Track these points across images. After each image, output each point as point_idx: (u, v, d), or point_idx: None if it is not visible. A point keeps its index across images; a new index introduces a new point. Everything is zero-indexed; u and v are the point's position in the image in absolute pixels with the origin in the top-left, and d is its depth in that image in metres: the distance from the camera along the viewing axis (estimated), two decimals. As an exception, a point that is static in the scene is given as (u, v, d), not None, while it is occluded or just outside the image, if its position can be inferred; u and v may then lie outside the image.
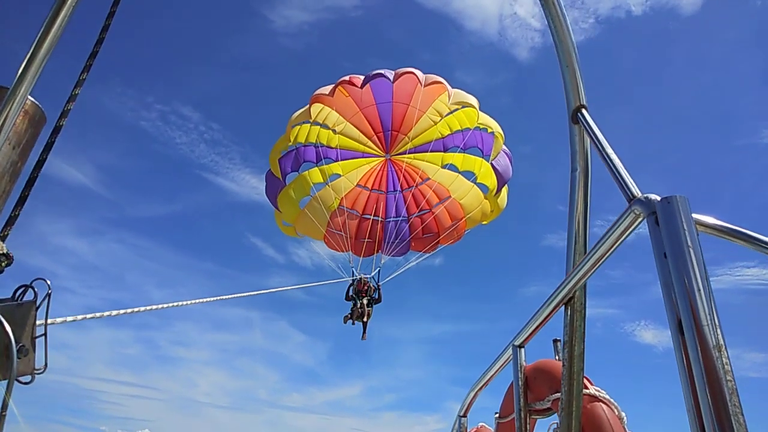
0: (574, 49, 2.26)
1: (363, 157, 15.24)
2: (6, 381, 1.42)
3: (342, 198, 15.63)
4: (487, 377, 3.03)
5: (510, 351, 2.57)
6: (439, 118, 14.41)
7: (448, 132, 14.68)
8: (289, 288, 9.49)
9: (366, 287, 15.00)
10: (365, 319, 14.66)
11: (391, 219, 16.08)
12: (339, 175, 15.35)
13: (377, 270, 15.49)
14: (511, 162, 13.94)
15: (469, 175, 14.75)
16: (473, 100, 13.14)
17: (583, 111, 2.20)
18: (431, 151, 14.74)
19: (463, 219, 14.99)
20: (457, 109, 14.01)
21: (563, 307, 2.07)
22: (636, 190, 1.58)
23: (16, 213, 1.61)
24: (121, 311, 3.35)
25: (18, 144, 1.48)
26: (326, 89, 13.47)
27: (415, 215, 15.70)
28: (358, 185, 15.78)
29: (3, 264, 1.52)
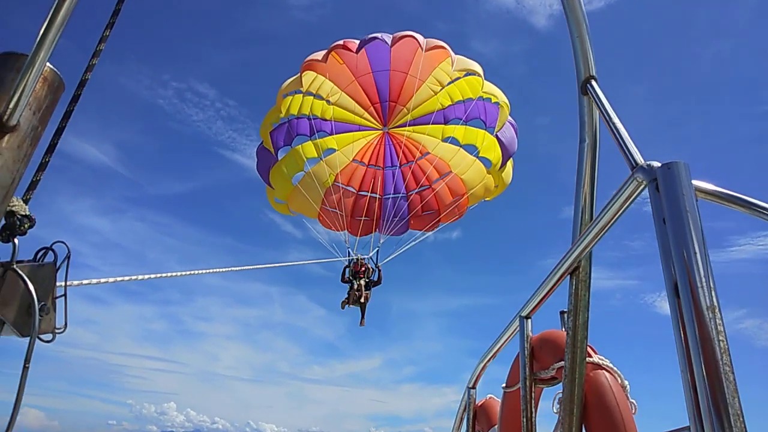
0: (585, 19, 2.25)
1: (359, 130, 14.63)
2: (29, 337, 1.52)
3: (337, 174, 15.06)
4: (495, 348, 3.13)
5: (517, 322, 2.64)
6: (440, 87, 13.74)
7: (449, 103, 14.03)
8: (279, 265, 9.08)
9: (363, 268, 14.62)
10: (363, 302, 14.25)
11: (390, 196, 15.59)
12: (334, 150, 14.76)
13: (376, 250, 15.06)
14: (516, 134, 13.31)
15: (471, 149, 14.17)
16: (477, 67, 12.44)
17: (593, 82, 2.20)
18: (431, 124, 14.10)
19: (465, 195, 14.45)
20: (459, 78, 13.30)
21: (568, 277, 2.10)
22: (639, 158, 1.61)
23: (38, 178, 1.69)
24: (139, 276, 3.40)
25: (38, 109, 1.55)
26: (319, 55, 12.74)
27: (414, 192, 15.16)
28: (354, 160, 15.21)
29: (26, 226, 1.58)
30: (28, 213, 1.60)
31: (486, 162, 13.89)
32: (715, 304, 1.19)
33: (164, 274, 3.80)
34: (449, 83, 13.54)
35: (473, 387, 3.78)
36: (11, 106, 1.45)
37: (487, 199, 14.68)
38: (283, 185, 14.07)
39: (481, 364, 3.55)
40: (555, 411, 2.34)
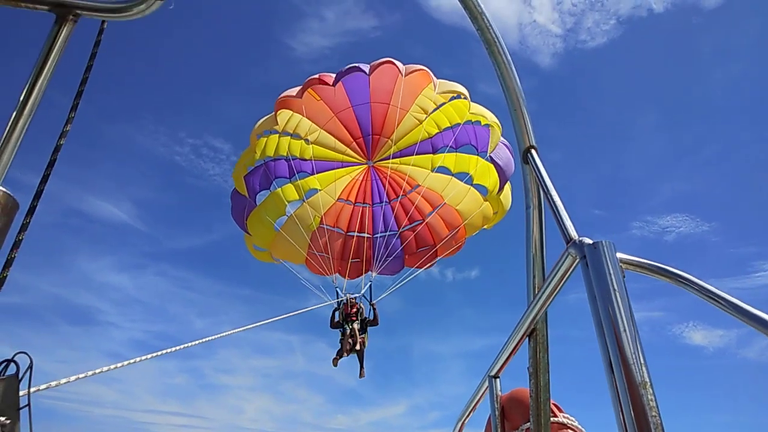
0: (521, 92, 2.43)
1: (342, 167, 13.97)
2: None
3: (322, 215, 14.25)
4: (471, 407, 3.20)
5: (486, 382, 2.70)
6: (425, 115, 13.19)
7: (436, 130, 13.47)
8: (264, 322, 8.19)
9: (355, 309, 13.62)
10: (359, 348, 13.12)
11: (380, 234, 14.79)
12: (317, 190, 14.02)
13: (368, 285, 14.25)
14: (512, 154, 12.65)
15: (464, 177, 13.47)
16: (461, 89, 11.94)
17: (532, 152, 2.34)
18: (418, 154, 13.47)
19: (462, 226, 13.64)
20: (444, 103, 12.70)
21: (527, 339, 2.18)
22: (573, 233, 1.73)
23: (5, 275, 1.72)
24: (105, 368, 3.43)
25: None
26: (293, 91, 12.14)
27: (406, 228, 14.36)
28: (339, 199, 14.50)
29: None
30: None
31: (481, 189, 13.24)
32: (647, 380, 1.25)
33: (130, 361, 3.80)
34: (434, 110, 13.00)
35: None
36: None
37: (487, 227, 13.95)
38: (264, 232, 13.19)
39: (459, 423, 3.55)
40: None
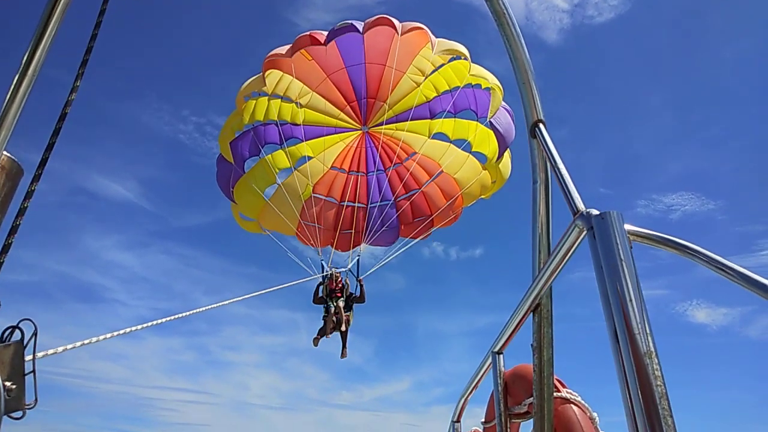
0: (530, 65, 2.41)
1: (336, 132, 13.46)
2: None
3: (315, 184, 13.70)
4: (474, 383, 3.26)
5: (490, 358, 2.74)
6: (423, 77, 12.53)
7: (434, 94, 12.91)
8: (248, 297, 7.81)
9: (340, 285, 13.16)
10: (344, 329, 12.57)
11: (376, 204, 14.40)
12: (309, 158, 13.52)
13: (355, 260, 13.75)
14: (513, 119, 12.12)
15: (463, 144, 12.95)
16: (462, 49, 11.36)
17: (540, 126, 2.33)
18: (415, 119, 12.91)
19: (459, 195, 13.19)
20: (443, 65, 12.09)
21: (531, 315, 2.20)
22: (580, 205, 1.74)
23: (1, 260, 1.78)
24: (108, 335, 3.50)
25: None
26: (283, 49, 11.51)
27: (403, 197, 13.86)
28: (332, 167, 14.02)
29: None
30: None
31: (480, 157, 12.79)
32: (652, 349, 1.26)
33: (134, 328, 3.95)
34: (432, 72, 12.39)
35: (457, 421, 3.96)
36: None
37: (485, 197, 13.53)
38: (252, 201, 12.69)
39: (462, 399, 3.70)
40: None
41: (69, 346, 3.21)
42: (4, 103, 1.65)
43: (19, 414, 1.76)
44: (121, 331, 4.05)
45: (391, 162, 13.90)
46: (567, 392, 2.64)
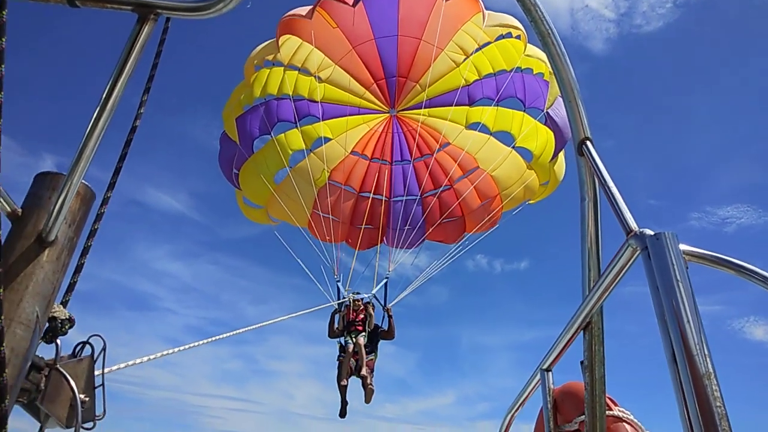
0: (575, 84, 2.47)
1: (359, 113, 12.26)
2: (72, 429, 1.81)
3: (332, 170, 12.54)
4: (520, 401, 3.33)
5: (538, 375, 2.80)
6: (464, 56, 10.95)
7: (476, 77, 11.50)
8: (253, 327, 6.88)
9: (362, 315, 11.15)
10: (365, 374, 10.41)
11: (400, 198, 13.29)
12: (327, 139, 12.33)
13: (383, 282, 11.86)
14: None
15: (506, 138, 11.34)
16: (516, 24, 9.65)
17: (588, 143, 2.41)
18: (453, 105, 11.42)
19: (497, 197, 11.69)
20: (488, 43, 10.49)
21: (582, 332, 2.26)
22: (633, 224, 1.77)
23: (75, 280, 1.95)
24: (169, 351, 3.85)
25: (73, 222, 1.84)
26: (302, 10, 10.19)
27: (430, 193, 12.49)
28: (353, 152, 12.96)
29: (67, 326, 1.84)
30: (68, 316, 1.85)
31: (525, 153, 11.22)
32: (711, 371, 1.27)
33: (196, 343, 4.27)
34: (476, 50, 10.73)
35: None
36: (50, 223, 1.74)
37: (531, 201, 11.90)
38: (260, 186, 11.66)
39: (509, 416, 3.72)
40: None
41: (138, 361, 3.41)
42: (84, 135, 1.78)
43: (90, 425, 1.93)
44: (183, 347, 4.29)
45: (420, 152, 12.58)
46: (619, 410, 2.69)
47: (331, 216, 12.70)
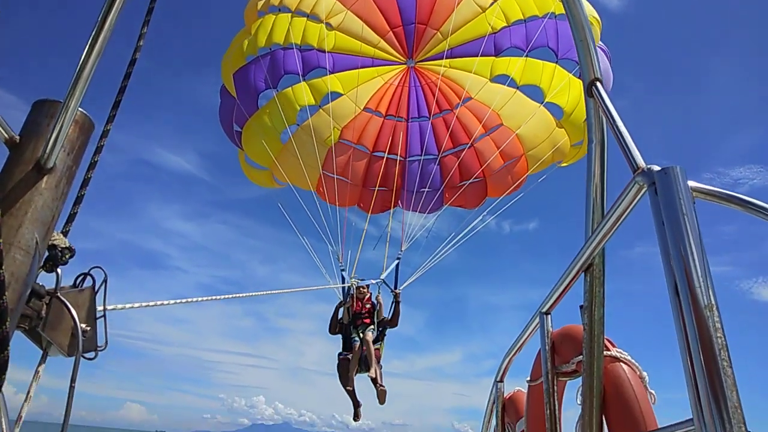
0: (587, 23, 2.58)
1: (373, 65, 11.96)
2: (74, 357, 1.94)
3: (343, 128, 12.34)
4: (519, 344, 3.61)
5: (538, 318, 3.01)
6: (491, 0, 10.54)
7: (503, 24, 11.10)
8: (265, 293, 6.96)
9: (369, 305, 10.66)
10: (373, 374, 9.89)
11: (416, 158, 13.08)
12: (339, 94, 12.18)
13: (394, 263, 11.37)
14: (611, 63, 10.06)
15: (534, 92, 11.07)
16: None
17: (597, 84, 2.50)
18: (477, 55, 11.03)
19: (522, 157, 11.43)
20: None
21: (583, 274, 2.39)
22: (640, 162, 1.84)
23: (75, 211, 2.08)
24: (172, 301, 4.02)
25: (72, 150, 1.93)
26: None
27: (450, 152, 12.51)
28: (366, 109, 12.85)
29: (67, 256, 1.94)
30: (68, 245, 1.95)
31: (555, 110, 10.89)
32: (713, 302, 1.35)
33: (190, 300, 4.41)
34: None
35: (501, 381, 4.33)
36: (48, 149, 1.82)
37: (563, 163, 11.64)
38: (265, 145, 11.39)
39: (507, 359, 4.00)
40: (578, 402, 2.53)
41: (136, 305, 3.56)
42: (80, 61, 1.87)
43: (92, 354, 2.08)
44: (185, 300, 4.47)
45: (440, 107, 12.38)
46: (617, 351, 2.77)
47: (342, 178, 12.55)
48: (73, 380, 1.90)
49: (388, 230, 12.28)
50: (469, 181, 12.50)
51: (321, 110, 12.04)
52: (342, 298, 10.72)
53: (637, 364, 2.71)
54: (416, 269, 11.75)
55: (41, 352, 1.95)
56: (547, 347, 2.93)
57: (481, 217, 11.64)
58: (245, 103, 11.17)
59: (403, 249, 11.99)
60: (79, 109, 1.90)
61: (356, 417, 10.52)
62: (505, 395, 4.48)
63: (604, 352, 2.47)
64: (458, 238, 11.52)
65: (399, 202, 13.27)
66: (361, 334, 10.14)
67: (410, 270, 11.65)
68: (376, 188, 12.99)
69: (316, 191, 12.55)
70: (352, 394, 10.15)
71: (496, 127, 12.02)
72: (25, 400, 1.87)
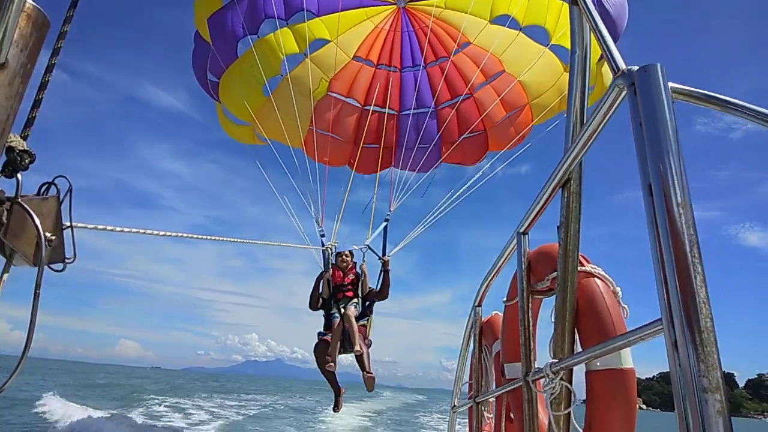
0: None
1: (361, 5, 11.50)
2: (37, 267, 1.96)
3: (331, 79, 12.10)
4: (497, 266, 3.83)
5: (515, 239, 3.16)
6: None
7: None
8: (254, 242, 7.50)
9: (352, 275, 10.02)
10: (358, 349, 9.24)
11: (411, 111, 12.85)
12: (326, 41, 11.93)
13: (382, 225, 11.04)
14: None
15: (538, 33, 10.79)
16: None
17: None
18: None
19: (526, 107, 11.24)
20: None
21: (560, 191, 2.53)
22: (621, 64, 1.90)
23: (33, 115, 2.08)
24: (133, 229, 3.85)
25: (25, 47, 1.87)
26: None
27: (447, 104, 12.45)
28: (355, 57, 12.64)
29: (27, 161, 1.93)
30: (26, 148, 1.94)
31: (564, 53, 10.66)
32: (686, 200, 1.41)
33: (152, 232, 4.16)
34: None
35: (479, 305, 4.60)
36: None
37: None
38: (246, 99, 11.11)
39: (485, 284, 4.24)
40: (552, 321, 2.67)
41: (109, 227, 3.44)
42: None
43: (60, 267, 2.13)
44: (169, 234, 4.52)
45: (435, 54, 12.08)
46: (591, 267, 2.90)
47: (332, 134, 12.31)
48: (37, 287, 1.93)
49: (375, 189, 12.05)
50: (469, 135, 12.33)
51: (307, 59, 11.73)
52: (323, 268, 10.12)
53: (610, 279, 2.89)
54: (407, 234, 11.35)
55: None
56: (523, 267, 3.05)
57: (481, 172, 11.45)
58: (222, 51, 10.84)
59: (392, 209, 11.76)
60: (31, 2, 1.85)
61: (336, 407, 9.90)
62: (483, 319, 4.77)
63: (579, 268, 2.63)
64: (456, 195, 11.31)
65: (393, 160, 13.07)
66: (342, 309, 9.54)
67: (401, 235, 11.33)
68: (368, 146, 12.78)
69: (302, 149, 12.31)
70: (332, 379, 9.51)
71: (497, 74, 11.86)
72: None
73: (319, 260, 10.37)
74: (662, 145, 1.48)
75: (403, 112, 12.72)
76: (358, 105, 12.78)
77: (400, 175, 12.28)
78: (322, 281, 9.90)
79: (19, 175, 1.91)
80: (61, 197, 2.12)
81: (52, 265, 2.08)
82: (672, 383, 1.30)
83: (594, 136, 2.08)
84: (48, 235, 2.00)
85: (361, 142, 12.69)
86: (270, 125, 12.04)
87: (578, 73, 2.61)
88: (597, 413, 2.66)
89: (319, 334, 9.70)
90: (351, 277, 9.93)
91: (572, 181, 2.44)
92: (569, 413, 2.53)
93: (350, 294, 9.74)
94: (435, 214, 11.44)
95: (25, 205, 1.90)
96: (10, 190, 1.93)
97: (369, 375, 9.30)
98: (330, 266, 9.99)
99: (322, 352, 9.31)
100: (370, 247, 10.55)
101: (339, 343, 9.28)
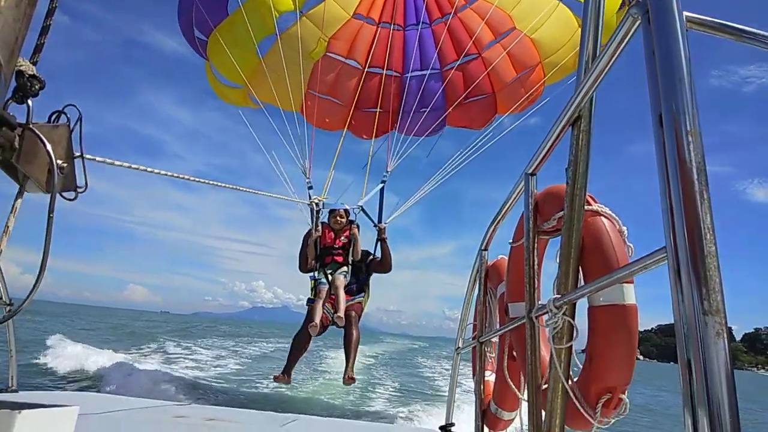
0: None
1: None
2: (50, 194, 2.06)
3: (330, 38, 12.11)
4: (504, 209, 3.99)
5: (523, 180, 3.26)
6: None
7: None
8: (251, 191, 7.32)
9: (344, 236, 9.32)
10: (344, 327, 8.56)
11: (415, 73, 12.74)
12: None
13: (378, 187, 10.69)
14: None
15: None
16: None
17: None
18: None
19: (539, 66, 11.19)
20: None
21: (570, 129, 2.58)
22: None
23: (42, 41, 2.13)
24: (141, 167, 4.08)
25: None
26: None
27: (454, 64, 12.31)
28: (356, 15, 12.57)
29: (37, 86, 1.97)
30: (35, 73, 1.98)
31: (578, 7, 10.54)
32: (696, 129, 1.44)
33: (164, 173, 4.57)
34: None
35: (485, 249, 4.77)
36: None
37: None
38: (239, 59, 11.06)
39: (492, 227, 4.46)
40: (557, 261, 2.74)
41: (116, 162, 3.60)
42: None
43: (72, 195, 2.26)
44: (176, 175, 4.73)
45: (441, 11, 11.87)
46: (598, 206, 2.96)
47: (331, 98, 12.21)
48: (51, 211, 2.01)
49: (371, 147, 11.94)
50: (477, 97, 12.22)
51: (304, 17, 11.61)
52: (311, 225, 9.46)
53: (617, 217, 2.95)
54: (408, 197, 11.07)
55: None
56: (530, 207, 3.14)
57: (490, 133, 11.38)
58: (210, 7, 10.68)
59: (389, 169, 11.51)
60: None
61: (277, 378, 8.42)
62: (489, 262, 4.89)
63: (585, 207, 2.69)
64: (464, 154, 11.26)
65: (395, 124, 12.98)
66: (329, 276, 8.93)
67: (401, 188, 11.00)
68: (369, 110, 12.70)
69: (300, 113, 12.21)
70: (297, 351, 8.52)
71: (507, 31, 11.75)
72: (4, 232, 1.97)
73: (308, 218, 9.64)
74: (674, 74, 1.51)
75: (407, 74, 12.61)
76: (359, 67, 12.66)
77: (403, 138, 12.21)
78: (309, 239, 9.26)
79: (29, 102, 1.96)
80: (71, 126, 2.21)
81: (64, 194, 2.19)
82: (672, 308, 1.34)
83: (606, 70, 2.12)
84: (60, 162, 2.07)
85: (362, 105, 12.64)
86: (264, 88, 11.88)
87: (592, 12, 2.62)
88: (598, 348, 2.73)
89: (309, 300, 9.01)
90: (343, 240, 9.25)
91: (582, 119, 2.48)
92: (571, 347, 2.62)
93: (340, 259, 9.10)
94: (438, 179, 11.39)
95: (37, 131, 1.97)
96: (21, 118, 1.98)
97: (350, 376, 8.28)
98: (319, 224, 9.37)
99: (308, 320, 8.50)
100: (363, 210, 10.05)
101: (324, 318, 8.55)
